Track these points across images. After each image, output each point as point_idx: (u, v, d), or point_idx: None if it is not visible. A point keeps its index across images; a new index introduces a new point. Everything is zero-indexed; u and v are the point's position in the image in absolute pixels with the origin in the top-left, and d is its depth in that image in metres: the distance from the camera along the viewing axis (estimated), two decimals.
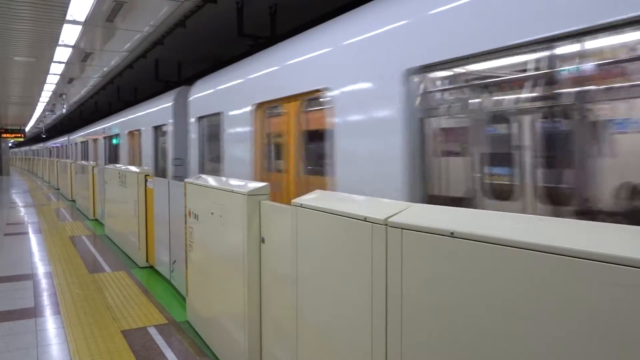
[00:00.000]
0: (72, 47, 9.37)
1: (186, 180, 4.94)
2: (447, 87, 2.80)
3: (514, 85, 2.50)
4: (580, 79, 2.20)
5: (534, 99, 2.40)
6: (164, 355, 4.23)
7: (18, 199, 17.78)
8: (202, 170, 6.23)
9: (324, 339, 2.62)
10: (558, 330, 1.46)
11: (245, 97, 4.96)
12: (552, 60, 2.28)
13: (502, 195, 2.62)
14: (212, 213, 4.20)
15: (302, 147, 4.19)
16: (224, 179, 4.47)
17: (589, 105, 2.21)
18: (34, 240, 9.57)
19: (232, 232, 3.79)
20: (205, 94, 6.18)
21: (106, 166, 10.66)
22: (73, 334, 4.68)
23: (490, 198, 2.68)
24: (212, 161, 6.06)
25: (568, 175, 2.35)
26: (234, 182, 4.09)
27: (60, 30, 8.05)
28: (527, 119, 2.48)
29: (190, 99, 6.70)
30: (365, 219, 2.25)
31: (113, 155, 12.06)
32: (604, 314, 1.35)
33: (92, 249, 8.88)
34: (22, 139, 32.51)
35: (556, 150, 2.40)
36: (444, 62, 2.63)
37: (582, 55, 2.18)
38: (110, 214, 10.03)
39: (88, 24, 7.76)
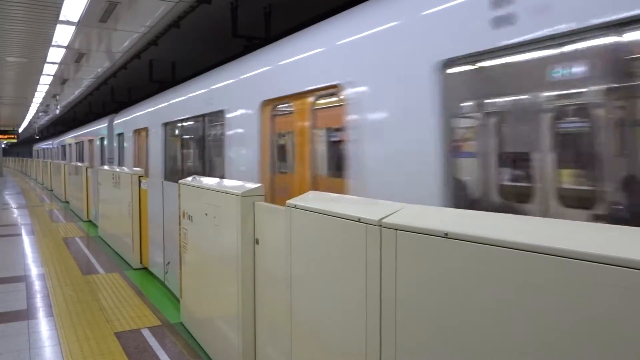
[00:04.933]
0: (66, 47, 9.32)
1: (180, 181, 4.93)
2: None
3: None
4: None
5: None
6: (158, 357, 4.21)
7: (11, 200, 17.66)
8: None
9: (318, 340, 2.62)
10: (552, 331, 1.46)
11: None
12: None
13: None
14: (206, 214, 4.18)
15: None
16: (218, 180, 4.46)
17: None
18: (27, 242, 9.51)
19: (226, 233, 3.78)
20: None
21: (99, 167, 10.74)
22: (66, 336, 4.65)
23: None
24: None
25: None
26: (228, 183, 4.08)
27: (54, 30, 8.00)
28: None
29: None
30: (359, 220, 2.25)
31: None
32: (598, 315, 1.35)
33: (86, 251, 8.83)
34: (14, 140, 32.30)
35: None
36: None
37: None
38: (104, 215, 9.98)
39: (81, 25, 7.72)
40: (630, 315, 1.28)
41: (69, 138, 20.07)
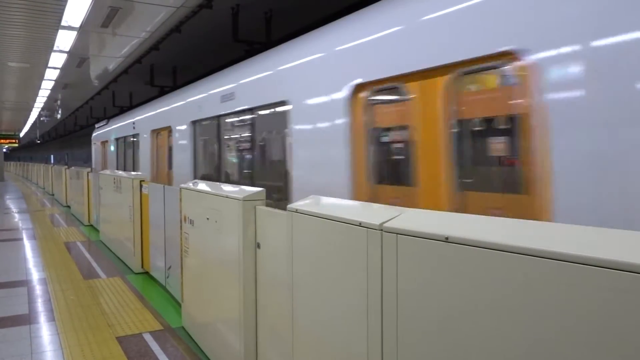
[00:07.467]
0: (67, 52, 9.37)
1: (182, 185, 4.94)
2: None
3: None
4: None
5: None
6: None
7: (12, 205, 17.68)
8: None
9: (320, 344, 2.62)
10: (552, 335, 1.47)
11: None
12: None
13: None
14: (207, 218, 4.19)
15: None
16: (219, 184, 4.48)
17: None
18: (28, 247, 9.52)
19: (227, 237, 3.79)
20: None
21: (101, 172, 10.73)
22: (68, 341, 4.65)
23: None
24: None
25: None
26: (229, 187, 4.09)
27: (55, 36, 8.05)
28: None
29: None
30: (360, 224, 2.26)
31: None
32: (598, 318, 1.36)
33: (87, 255, 8.84)
34: (16, 144, 32.41)
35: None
36: None
37: None
38: (105, 219, 9.99)
39: (83, 30, 7.76)
40: (628, 318, 1.28)
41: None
